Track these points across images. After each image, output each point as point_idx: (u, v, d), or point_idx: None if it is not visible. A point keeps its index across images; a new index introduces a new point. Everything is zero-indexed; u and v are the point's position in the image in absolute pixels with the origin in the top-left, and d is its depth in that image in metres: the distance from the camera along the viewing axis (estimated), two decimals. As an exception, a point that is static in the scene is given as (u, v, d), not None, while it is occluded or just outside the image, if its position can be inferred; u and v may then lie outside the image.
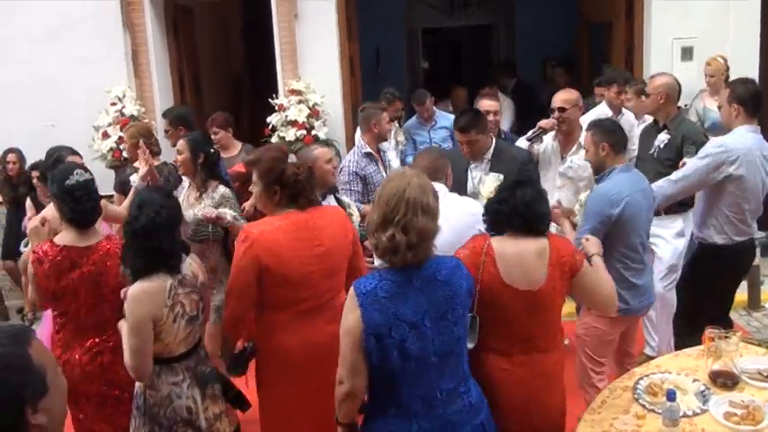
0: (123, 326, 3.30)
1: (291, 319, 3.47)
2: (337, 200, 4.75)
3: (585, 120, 5.40)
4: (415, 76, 12.70)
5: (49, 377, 1.68)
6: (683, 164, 4.75)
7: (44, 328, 4.59)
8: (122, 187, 5.60)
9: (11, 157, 7.28)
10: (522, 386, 3.18)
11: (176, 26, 8.45)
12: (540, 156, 5.48)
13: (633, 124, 6.05)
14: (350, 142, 7.56)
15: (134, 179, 5.12)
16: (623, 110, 6.25)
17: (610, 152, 4.19)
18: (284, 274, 3.41)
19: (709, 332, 3.49)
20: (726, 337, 3.43)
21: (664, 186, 4.67)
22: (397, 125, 7.42)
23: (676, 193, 4.68)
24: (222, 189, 4.71)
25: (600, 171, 4.26)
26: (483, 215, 3.41)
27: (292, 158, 3.71)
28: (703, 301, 4.71)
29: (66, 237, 3.79)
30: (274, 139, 7.21)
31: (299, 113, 7.20)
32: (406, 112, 8.29)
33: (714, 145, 4.58)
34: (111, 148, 7.34)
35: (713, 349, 3.42)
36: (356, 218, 4.68)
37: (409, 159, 7.18)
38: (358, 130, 7.11)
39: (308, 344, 3.45)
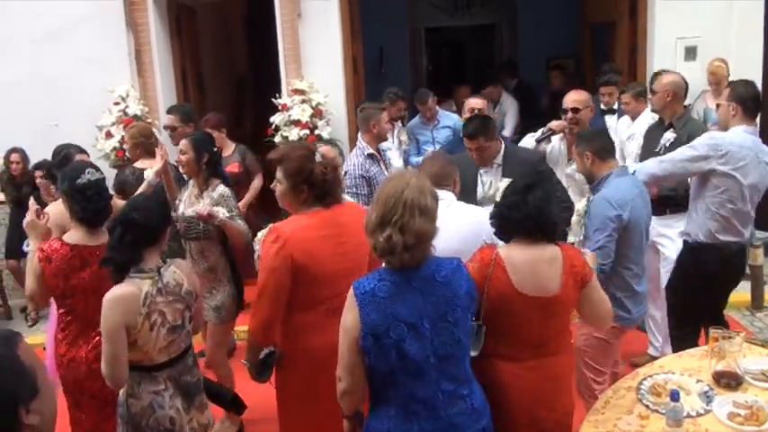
0: None
1: (319, 319, 3.41)
2: None
3: (639, 126, 5.52)
4: (418, 76, 12.69)
5: (39, 378, 1.71)
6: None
7: (50, 326, 4.61)
8: (121, 187, 5.59)
9: (14, 156, 7.29)
10: (533, 390, 3.16)
11: (179, 26, 8.46)
12: (546, 156, 5.46)
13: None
14: (353, 142, 7.53)
15: (148, 174, 5.11)
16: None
17: (595, 159, 4.15)
18: (316, 273, 3.36)
19: (712, 332, 3.48)
20: (729, 338, 3.42)
21: (649, 165, 4.66)
22: (401, 124, 7.42)
23: (660, 173, 4.62)
24: (221, 188, 4.70)
25: (592, 180, 4.22)
26: (492, 219, 3.35)
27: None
28: (689, 302, 4.70)
29: (75, 235, 3.80)
30: (277, 139, 7.21)
31: (302, 113, 7.20)
32: (409, 112, 8.28)
33: (707, 136, 4.56)
34: (115, 148, 7.35)
35: (717, 350, 3.42)
36: None
37: (412, 159, 7.18)
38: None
39: (333, 343, 3.41)
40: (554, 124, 5.40)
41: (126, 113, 7.42)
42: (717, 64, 6.69)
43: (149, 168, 5.26)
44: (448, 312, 2.78)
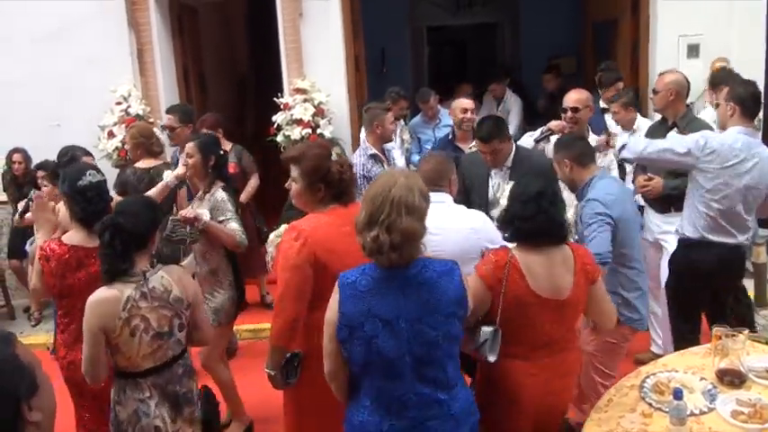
0: None
1: None
2: None
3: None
4: (419, 75, 12.68)
5: (37, 375, 1.73)
6: None
7: None
8: (123, 188, 5.60)
9: (16, 156, 7.30)
10: (546, 388, 3.21)
11: (181, 25, 8.45)
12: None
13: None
14: (355, 141, 7.56)
15: (167, 175, 5.10)
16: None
17: (574, 166, 4.15)
18: (338, 270, 3.27)
19: (715, 330, 3.48)
20: (733, 336, 3.42)
21: (638, 144, 4.64)
22: (403, 123, 7.42)
23: (643, 152, 4.58)
24: (219, 193, 4.65)
25: (575, 187, 4.21)
26: (503, 224, 3.33)
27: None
28: (685, 299, 4.71)
29: (74, 236, 3.81)
30: (279, 138, 7.22)
31: (304, 112, 7.20)
32: (411, 111, 8.29)
33: (698, 134, 4.54)
34: (117, 148, 7.35)
35: (720, 347, 3.41)
36: None
37: (415, 158, 7.18)
38: (363, 129, 7.14)
39: None
40: (553, 124, 5.39)
41: (128, 113, 7.42)
42: (720, 64, 6.66)
43: (168, 171, 5.25)
44: (427, 315, 2.74)
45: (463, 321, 2.86)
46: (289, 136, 7.16)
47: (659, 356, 4.47)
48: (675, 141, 4.54)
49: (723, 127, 4.58)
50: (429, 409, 2.79)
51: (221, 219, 4.56)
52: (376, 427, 2.81)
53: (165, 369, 3.35)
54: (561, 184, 5.10)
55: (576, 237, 4.14)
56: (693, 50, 7.19)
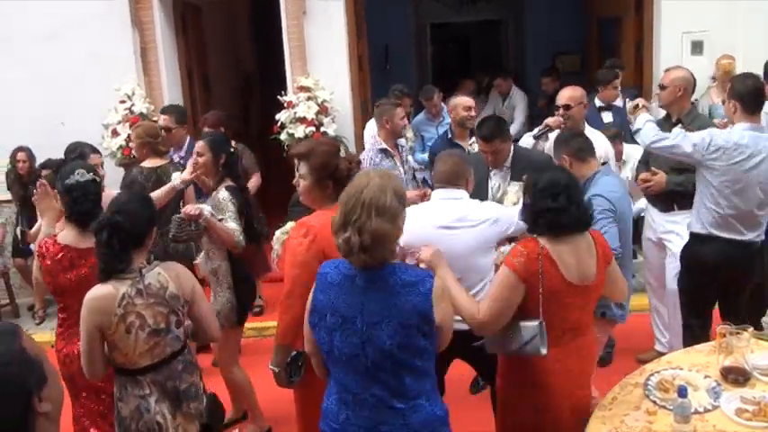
0: None
1: None
2: None
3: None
4: (423, 72, 12.68)
5: (45, 366, 1.74)
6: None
7: None
8: (131, 187, 5.58)
9: (20, 155, 7.31)
10: (573, 371, 3.26)
11: (185, 24, 8.46)
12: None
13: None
14: (359, 138, 7.57)
15: (176, 177, 5.09)
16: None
17: (574, 161, 4.16)
18: None
19: (720, 328, 3.47)
20: (737, 334, 3.41)
21: (649, 132, 4.66)
22: (405, 121, 7.41)
23: (652, 144, 4.66)
24: (221, 193, 4.63)
25: None
26: (532, 220, 3.29)
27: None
28: (694, 294, 4.73)
29: (68, 236, 3.85)
30: (283, 136, 7.22)
31: (307, 110, 7.20)
32: (415, 108, 8.28)
33: (705, 132, 4.55)
34: (121, 146, 7.35)
35: (724, 345, 3.40)
36: None
37: (417, 156, 7.19)
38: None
39: None
40: (550, 120, 5.43)
41: (132, 112, 7.43)
42: (727, 61, 6.64)
43: (176, 173, 5.24)
44: (384, 321, 2.70)
45: (432, 338, 2.75)
46: (292, 134, 7.16)
47: (663, 354, 4.46)
48: (683, 138, 4.53)
49: (732, 123, 4.59)
50: (383, 414, 2.76)
51: (220, 217, 4.55)
52: (335, 415, 2.85)
53: (164, 366, 3.35)
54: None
55: None
56: (697, 47, 7.18)
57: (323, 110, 7.27)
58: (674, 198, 5.13)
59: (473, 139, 5.93)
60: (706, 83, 6.74)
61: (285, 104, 7.33)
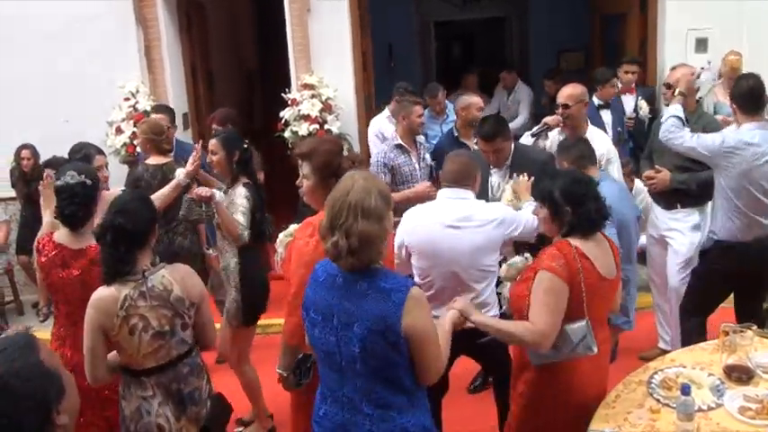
0: None
1: None
2: None
3: None
4: (427, 70, 12.67)
5: (63, 377, 1.73)
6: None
7: None
8: (136, 184, 5.58)
9: (25, 153, 7.30)
10: (602, 367, 3.35)
11: (189, 21, 8.46)
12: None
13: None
14: (363, 136, 7.56)
15: (179, 173, 5.11)
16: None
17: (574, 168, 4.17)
18: None
19: (723, 326, 3.47)
20: (741, 332, 3.41)
21: (671, 125, 4.69)
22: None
23: (668, 139, 4.72)
24: (239, 190, 4.62)
25: None
26: (575, 221, 3.25)
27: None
28: (708, 297, 4.76)
29: (62, 235, 3.86)
30: (287, 134, 7.23)
31: (311, 108, 7.20)
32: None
33: (718, 133, 4.61)
34: (125, 144, 7.35)
35: (728, 343, 3.41)
36: None
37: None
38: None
39: None
40: (549, 119, 5.45)
41: (136, 109, 7.42)
42: (734, 57, 6.61)
43: (180, 169, 5.23)
44: (355, 323, 2.68)
45: (401, 351, 2.68)
46: (296, 132, 7.16)
47: (666, 352, 4.46)
48: (697, 140, 4.56)
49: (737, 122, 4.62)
50: (353, 416, 2.77)
51: (231, 211, 4.56)
52: (317, 407, 2.90)
53: (169, 368, 3.33)
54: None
55: None
56: (702, 45, 7.16)
57: (327, 107, 7.28)
58: (678, 196, 5.14)
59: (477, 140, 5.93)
60: (711, 81, 6.72)
61: (289, 102, 7.34)
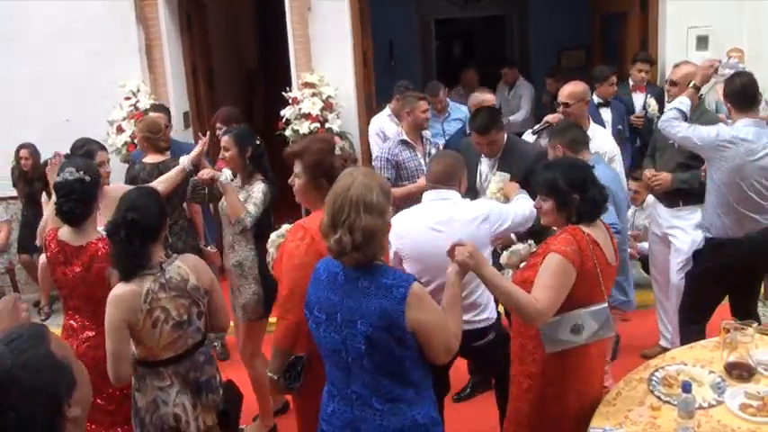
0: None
1: None
2: None
3: None
4: (428, 68, 12.67)
5: (74, 368, 1.70)
6: (705, 169, 4.74)
7: None
8: (133, 182, 5.57)
9: (23, 152, 7.28)
10: (603, 349, 3.41)
11: (190, 20, 8.45)
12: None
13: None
14: (364, 135, 7.56)
15: (183, 159, 5.08)
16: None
17: (566, 152, 4.21)
18: None
19: (724, 324, 3.47)
20: (742, 329, 3.41)
21: (671, 113, 4.68)
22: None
23: (666, 129, 4.70)
24: (257, 185, 4.62)
25: None
26: (584, 208, 3.25)
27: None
28: (703, 295, 4.76)
29: (65, 232, 3.87)
30: (288, 133, 7.22)
31: (312, 106, 7.20)
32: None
33: (714, 126, 4.59)
34: (126, 143, 7.35)
35: (729, 341, 3.41)
36: None
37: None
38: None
39: None
40: (550, 117, 5.46)
41: (137, 108, 7.41)
42: (736, 54, 6.60)
43: (183, 157, 5.24)
44: (358, 321, 2.69)
45: (408, 346, 2.71)
46: (297, 130, 7.16)
47: (667, 350, 4.46)
48: (694, 131, 4.56)
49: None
50: (363, 411, 2.77)
51: (246, 202, 4.57)
52: (326, 405, 2.91)
53: (186, 357, 3.38)
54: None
55: None
56: (702, 42, 7.15)
57: (328, 106, 7.28)
58: (681, 194, 5.14)
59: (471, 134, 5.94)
60: (711, 78, 6.70)
61: (290, 101, 7.34)
